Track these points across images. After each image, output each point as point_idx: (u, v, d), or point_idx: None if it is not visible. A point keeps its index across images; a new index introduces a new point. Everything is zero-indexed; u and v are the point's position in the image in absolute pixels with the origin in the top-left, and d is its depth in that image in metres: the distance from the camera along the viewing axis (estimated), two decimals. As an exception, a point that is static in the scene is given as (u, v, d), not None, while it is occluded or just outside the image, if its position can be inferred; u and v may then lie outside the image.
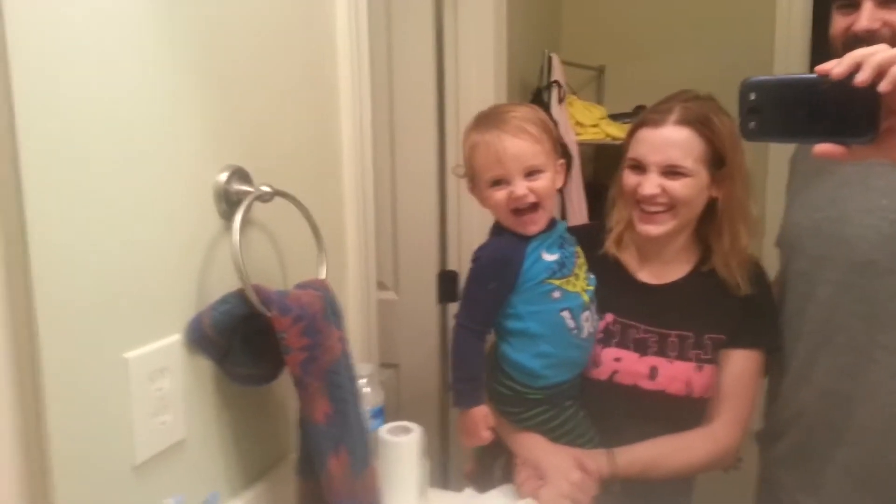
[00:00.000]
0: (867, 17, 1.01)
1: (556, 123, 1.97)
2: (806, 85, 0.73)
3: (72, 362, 0.68)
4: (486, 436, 1.11)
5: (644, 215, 1.17)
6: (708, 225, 1.21)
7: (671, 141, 1.14)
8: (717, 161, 1.15)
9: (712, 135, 1.13)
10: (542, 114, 1.14)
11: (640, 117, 1.22)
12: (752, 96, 0.75)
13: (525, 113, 1.10)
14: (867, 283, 1.07)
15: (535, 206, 1.09)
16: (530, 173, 1.07)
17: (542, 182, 1.08)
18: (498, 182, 1.08)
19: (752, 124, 0.75)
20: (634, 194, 1.18)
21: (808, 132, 0.75)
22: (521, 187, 1.06)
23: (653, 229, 1.17)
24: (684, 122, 1.13)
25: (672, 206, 1.15)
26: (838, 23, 1.07)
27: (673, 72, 2.34)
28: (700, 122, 1.13)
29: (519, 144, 1.06)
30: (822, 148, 0.72)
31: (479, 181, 1.11)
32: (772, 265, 1.31)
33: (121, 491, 0.74)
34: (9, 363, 0.63)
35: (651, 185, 1.14)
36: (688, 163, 1.13)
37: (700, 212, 1.19)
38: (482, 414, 1.11)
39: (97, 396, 0.71)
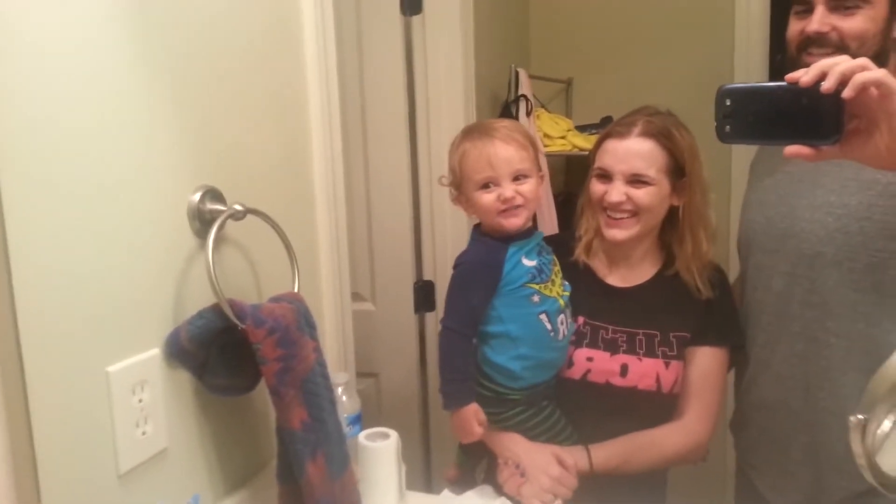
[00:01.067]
0: (818, 20, 1.10)
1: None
2: (777, 92, 0.81)
3: (56, 376, 0.71)
4: (479, 431, 1.16)
5: (610, 220, 1.25)
6: (671, 232, 1.29)
7: (635, 152, 1.21)
8: (678, 171, 1.23)
9: (673, 147, 1.22)
10: (525, 128, 1.22)
11: (606, 129, 1.30)
12: (728, 102, 0.82)
13: (512, 124, 1.19)
14: (816, 275, 1.14)
15: (519, 209, 1.15)
16: (517, 177, 1.14)
17: (529, 186, 1.15)
18: (487, 185, 1.14)
19: (727, 128, 0.83)
20: (601, 201, 1.25)
21: (779, 135, 0.82)
22: (509, 189, 1.13)
23: (618, 233, 1.24)
24: (648, 134, 1.21)
25: (636, 212, 1.23)
26: (793, 26, 1.16)
27: (638, 83, 2.42)
28: (662, 135, 1.21)
29: (508, 150, 1.13)
30: (793, 149, 0.80)
31: (468, 185, 1.16)
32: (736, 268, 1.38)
33: (106, 499, 0.77)
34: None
35: (617, 192, 1.22)
36: (651, 172, 1.21)
37: (662, 219, 1.27)
38: (473, 410, 1.16)
39: (81, 409, 0.74)
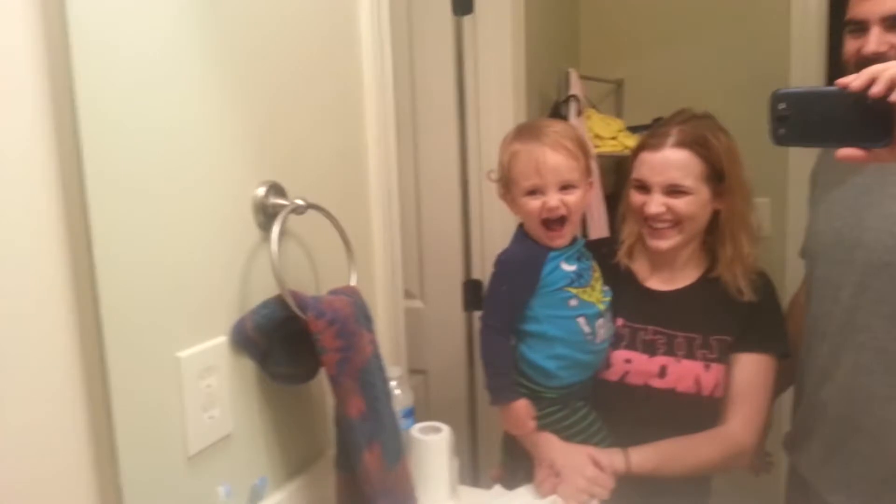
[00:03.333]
0: (875, 41, 1.08)
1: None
2: (828, 96, 0.83)
3: (133, 362, 0.75)
4: (531, 425, 1.17)
5: (652, 231, 1.25)
6: (715, 235, 1.28)
7: (671, 162, 1.21)
8: (717, 176, 1.22)
9: (709, 153, 1.21)
10: (579, 133, 1.21)
11: (640, 140, 1.31)
12: (781, 106, 0.84)
13: (565, 129, 1.18)
14: (884, 285, 1.11)
15: (563, 219, 1.15)
16: (564, 187, 1.14)
17: (575, 197, 1.15)
18: (533, 192, 1.15)
19: (781, 131, 0.84)
20: (642, 212, 1.25)
21: (832, 138, 0.84)
22: (554, 199, 1.13)
23: (662, 244, 1.25)
24: (682, 144, 1.21)
25: (677, 221, 1.23)
26: (849, 45, 1.14)
27: (690, 83, 2.39)
28: (697, 143, 1.21)
29: (557, 158, 1.13)
30: (844, 152, 0.81)
31: (515, 188, 1.17)
32: (797, 276, 1.36)
33: (177, 479, 0.81)
34: (79, 365, 0.70)
35: (656, 204, 1.22)
36: (688, 182, 1.20)
37: (706, 224, 1.26)
38: (524, 405, 1.17)
39: (154, 392, 0.78)
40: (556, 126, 1.18)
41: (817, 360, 1.24)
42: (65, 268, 0.69)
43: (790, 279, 2.07)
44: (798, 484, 1.33)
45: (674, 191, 1.21)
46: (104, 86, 0.71)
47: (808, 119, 0.83)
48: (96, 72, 0.70)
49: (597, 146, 2.21)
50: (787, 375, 1.32)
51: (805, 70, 2.26)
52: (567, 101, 2.11)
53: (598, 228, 2.06)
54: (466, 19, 1.94)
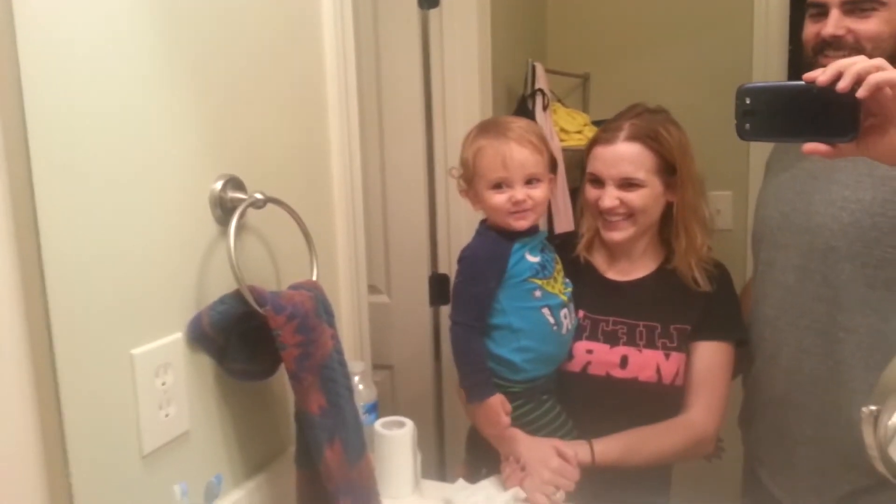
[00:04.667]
0: (833, 23, 1.11)
1: (540, 130, 2.03)
2: (795, 91, 0.83)
3: (84, 358, 0.73)
4: (506, 421, 1.17)
5: (606, 223, 1.28)
6: (670, 227, 1.31)
7: (623, 156, 1.24)
8: (669, 169, 1.25)
9: (661, 147, 1.24)
10: (540, 129, 1.23)
11: (594, 135, 1.34)
12: (747, 101, 0.85)
13: (528, 125, 1.20)
14: (828, 269, 1.14)
15: (528, 212, 1.16)
16: (530, 181, 1.15)
17: (540, 191, 1.17)
18: (499, 185, 1.15)
19: (747, 126, 0.85)
20: (596, 206, 1.28)
21: (798, 132, 0.85)
22: (521, 192, 1.15)
23: (616, 235, 1.28)
24: (634, 137, 1.24)
25: (630, 214, 1.26)
26: (809, 29, 1.17)
27: (655, 78, 2.41)
28: (649, 137, 1.23)
29: (524, 153, 1.14)
30: (811, 146, 0.83)
31: (480, 182, 1.18)
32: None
33: (131, 478, 0.80)
34: (27, 362, 0.68)
35: (610, 198, 1.25)
36: (640, 174, 1.23)
37: (659, 216, 1.29)
38: (499, 401, 1.17)
39: (107, 390, 0.77)
40: (520, 122, 1.20)
41: (761, 342, 1.27)
42: (12, 262, 0.67)
43: (751, 271, 2.11)
44: (750, 462, 1.37)
45: (627, 184, 1.24)
46: (50, 72, 0.69)
47: (773, 114, 0.84)
48: (43, 59, 0.68)
49: (562, 140, 2.22)
50: (742, 361, 1.35)
51: (767, 64, 2.29)
52: (533, 94, 2.12)
53: (564, 222, 2.07)
54: (432, 13, 1.94)
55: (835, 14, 1.11)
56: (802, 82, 0.82)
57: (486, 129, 1.19)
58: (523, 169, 1.14)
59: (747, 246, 2.18)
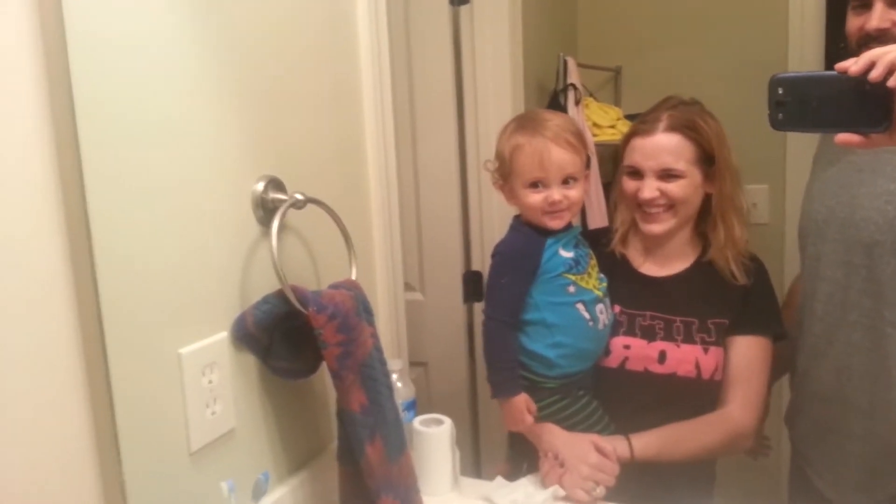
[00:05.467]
0: (878, 17, 1.08)
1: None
2: (827, 80, 0.82)
3: (134, 358, 0.75)
4: (529, 420, 1.18)
5: (646, 216, 1.27)
6: (707, 220, 1.29)
7: (663, 147, 1.23)
8: (707, 160, 1.24)
9: (699, 137, 1.22)
10: (577, 125, 1.22)
11: (631, 127, 1.32)
12: (780, 90, 0.84)
13: (565, 122, 1.19)
14: (873, 263, 1.12)
15: (563, 212, 1.16)
16: (566, 181, 1.15)
17: (576, 191, 1.16)
18: (535, 185, 1.15)
19: (779, 116, 0.84)
20: (635, 198, 1.27)
21: (830, 123, 0.84)
22: (557, 193, 1.14)
23: (656, 227, 1.26)
24: (672, 128, 1.23)
25: (671, 205, 1.24)
26: (852, 22, 1.14)
27: (688, 70, 2.38)
28: (687, 127, 1.22)
29: (561, 153, 1.14)
30: (843, 137, 0.81)
31: (516, 180, 1.17)
32: (795, 262, 1.36)
33: (180, 475, 0.81)
34: (80, 362, 0.70)
35: (649, 189, 1.24)
36: (680, 165, 1.22)
37: (697, 208, 1.28)
38: (523, 399, 1.17)
39: (157, 389, 0.78)
40: (557, 119, 1.19)
41: (810, 338, 1.25)
42: (64, 265, 0.68)
43: (788, 265, 2.08)
44: (797, 457, 1.35)
45: (667, 175, 1.23)
46: (101, 81, 0.71)
47: (806, 104, 0.83)
48: (93, 67, 0.69)
49: (595, 135, 2.20)
50: (786, 359, 1.33)
51: (803, 55, 2.25)
52: (565, 89, 2.11)
53: (597, 218, 2.06)
54: (463, 9, 1.93)
55: (879, 7, 1.08)
56: (835, 72, 0.81)
57: (524, 124, 1.18)
58: (561, 170, 1.14)
59: (784, 240, 2.16)
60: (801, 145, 2.20)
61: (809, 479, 1.28)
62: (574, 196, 1.16)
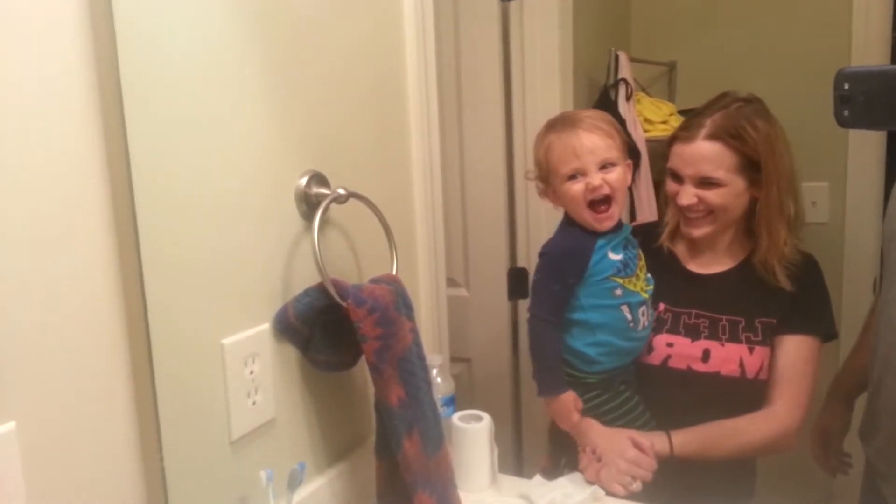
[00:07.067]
0: None
1: (623, 121, 1.99)
2: (895, 75, 0.78)
3: (178, 348, 0.77)
4: (576, 418, 1.18)
5: (687, 219, 1.26)
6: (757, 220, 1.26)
7: (702, 155, 1.20)
8: (753, 166, 1.20)
9: (743, 145, 1.19)
10: (609, 116, 1.21)
11: (674, 131, 1.30)
12: (846, 86, 0.80)
13: (596, 113, 1.19)
14: None
15: (608, 199, 1.14)
16: (604, 166, 1.14)
17: (615, 175, 1.14)
18: (574, 175, 1.14)
19: (845, 112, 0.81)
20: (675, 202, 1.25)
21: None
22: (596, 178, 1.13)
23: (696, 232, 1.26)
24: (713, 136, 1.19)
25: (710, 211, 1.22)
26: None
27: (745, 65, 2.31)
28: (730, 135, 1.19)
29: (593, 139, 1.13)
30: None
31: (555, 177, 1.17)
32: (855, 262, 1.31)
33: (220, 463, 0.83)
34: (125, 350, 0.72)
35: (687, 196, 1.22)
36: (719, 174, 1.19)
37: (743, 211, 1.25)
38: (571, 398, 1.17)
39: (199, 378, 0.80)
40: (588, 112, 1.19)
41: (883, 347, 1.19)
42: (111, 258, 0.71)
43: (848, 265, 2.00)
44: (871, 472, 1.29)
45: (705, 182, 1.20)
46: (148, 77, 0.72)
47: (872, 100, 0.79)
48: (140, 65, 0.71)
49: (646, 131, 2.16)
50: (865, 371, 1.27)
51: (868, 48, 2.15)
52: (616, 84, 2.07)
53: (647, 214, 2.02)
54: (512, 5, 1.92)
55: None
56: None
57: (554, 124, 1.18)
58: (595, 155, 1.13)
59: (844, 240, 2.08)
60: (864, 142, 2.11)
61: (884, 496, 1.23)
62: (614, 180, 1.14)
